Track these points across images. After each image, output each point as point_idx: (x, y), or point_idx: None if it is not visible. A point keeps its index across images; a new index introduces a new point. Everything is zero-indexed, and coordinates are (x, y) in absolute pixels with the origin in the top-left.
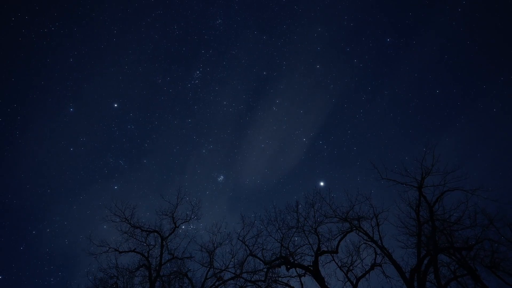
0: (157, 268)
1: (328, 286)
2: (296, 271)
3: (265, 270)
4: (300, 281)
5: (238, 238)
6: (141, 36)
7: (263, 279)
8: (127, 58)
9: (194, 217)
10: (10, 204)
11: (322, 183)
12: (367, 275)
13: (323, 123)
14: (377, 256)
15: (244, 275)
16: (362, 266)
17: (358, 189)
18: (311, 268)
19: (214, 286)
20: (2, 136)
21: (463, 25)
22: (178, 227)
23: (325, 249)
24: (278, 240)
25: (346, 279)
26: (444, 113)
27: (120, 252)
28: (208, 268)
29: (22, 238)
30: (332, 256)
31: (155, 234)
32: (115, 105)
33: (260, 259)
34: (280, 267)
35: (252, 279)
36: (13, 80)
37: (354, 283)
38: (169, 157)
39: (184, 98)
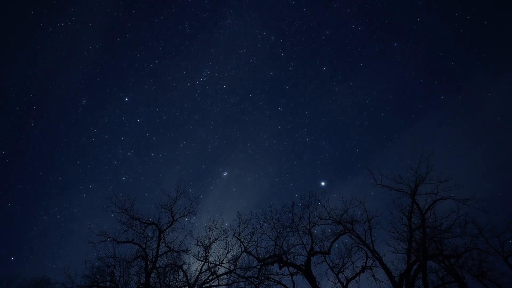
0: (153, 259)
1: (319, 286)
2: (288, 269)
3: (258, 267)
4: (292, 280)
5: (233, 235)
6: (153, 33)
7: (256, 275)
8: (139, 54)
9: (192, 211)
10: (24, 190)
11: (323, 183)
12: (357, 277)
13: (326, 124)
14: (368, 259)
15: (238, 271)
16: (353, 268)
17: (353, 193)
18: (303, 268)
19: (208, 280)
20: (18, 125)
21: (470, 33)
22: (176, 220)
23: (318, 249)
24: (273, 239)
25: (337, 280)
26: (448, 119)
27: (119, 242)
28: (203, 262)
29: (34, 223)
30: (324, 257)
31: (153, 226)
32: (126, 99)
33: (254, 256)
34: (273, 265)
35: (245, 275)
36: (30, 71)
37: (344, 284)
38: (176, 151)
39: (192, 95)
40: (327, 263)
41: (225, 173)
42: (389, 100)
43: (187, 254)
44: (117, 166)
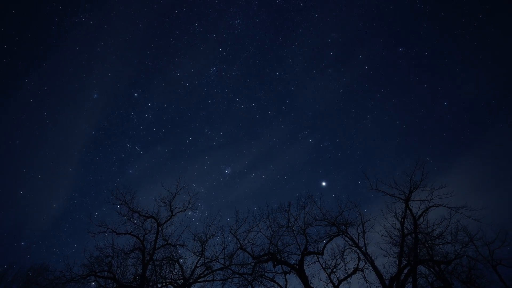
0: (150, 252)
1: (311, 286)
2: (282, 268)
3: (252, 264)
4: (285, 278)
5: (230, 231)
6: (164, 31)
7: (250, 272)
8: (149, 51)
9: (191, 207)
10: (35, 179)
11: (324, 183)
12: (349, 279)
13: (330, 126)
14: (360, 261)
15: (233, 267)
16: (345, 269)
17: (348, 196)
18: (297, 267)
19: (203, 275)
20: (32, 116)
21: (477, 40)
22: (174, 215)
23: (312, 250)
24: (268, 237)
25: (329, 281)
26: (451, 125)
27: (118, 234)
28: (199, 257)
29: (44, 210)
30: (318, 257)
31: (152, 220)
32: (135, 95)
33: (249, 254)
34: (267, 262)
35: (240, 272)
36: (45, 65)
37: (336, 284)
38: (182, 147)
39: (199, 92)
40: (320, 263)
41: (228, 170)
42: (392, 104)
43: (184, 248)
44: (124, 159)
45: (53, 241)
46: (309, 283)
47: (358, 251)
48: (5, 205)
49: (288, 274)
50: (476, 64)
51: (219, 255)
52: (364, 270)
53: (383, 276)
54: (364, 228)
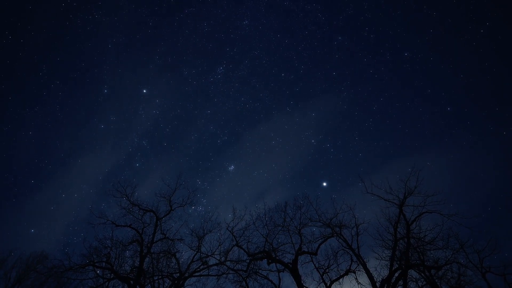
0: (148, 245)
1: (304, 285)
2: (276, 266)
3: (248, 261)
4: (279, 276)
5: (227, 228)
6: (173, 30)
7: (245, 269)
8: (159, 49)
9: (190, 202)
10: (46, 169)
11: (324, 184)
12: (341, 279)
13: (332, 127)
14: (353, 263)
15: (228, 263)
16: (337, 270)
17: (344, 198)
18: (290, 266)
19: (198, 269)
20: (45, 109)
21: (482, 47)
22: (173, 210)
23: (306, 250)
24: (264, 236)
25: (321, 280)
26: (453, 130)
27: (117, 226)
28: (195, 252)
29: (53, 200)
30: (311, 257)
31: (151, 213)
32: (144, 91)
33: (245, 251)
34: (262, 260)
35: (235, 268)
36: (58, 60)
37: (328, 284)
38: (187, 143)
39: (206, 91)
40: (313, 263)
41: (232, 167)
42: (395, 108)
43: (181, 242)
44: (131, 153)
45: (61, 230)
46: (302, 282)
47: (351, 253)
48: (16, 194)
49: (281, 272)
50: (481, 71)
51: (215, 251)
52: (356, 271)
53: (375, 279)
54: (358, 230)
